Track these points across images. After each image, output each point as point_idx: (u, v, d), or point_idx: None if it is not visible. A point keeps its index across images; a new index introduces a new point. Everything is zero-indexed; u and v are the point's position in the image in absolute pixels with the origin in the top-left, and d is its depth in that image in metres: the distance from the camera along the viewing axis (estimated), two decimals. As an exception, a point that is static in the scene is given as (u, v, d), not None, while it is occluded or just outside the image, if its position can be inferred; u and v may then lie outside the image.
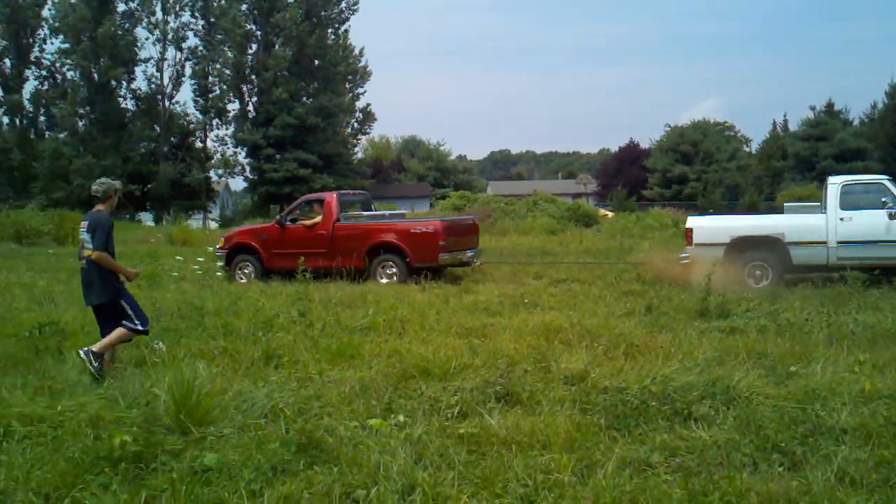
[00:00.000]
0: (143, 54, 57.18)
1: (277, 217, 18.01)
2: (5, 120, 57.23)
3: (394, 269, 15.80)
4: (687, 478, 4.71)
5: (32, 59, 57.63)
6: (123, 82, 56.53)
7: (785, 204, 18.61)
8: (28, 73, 57.87)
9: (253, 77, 57.69)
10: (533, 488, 4.60)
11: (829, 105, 68.49)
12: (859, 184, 14.68)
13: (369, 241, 16.15)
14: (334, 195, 17.25)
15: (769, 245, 14.53)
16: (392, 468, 4.76)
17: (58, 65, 57.32)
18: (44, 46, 58.55)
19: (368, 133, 69.86)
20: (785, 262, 14.34)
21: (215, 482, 4.77)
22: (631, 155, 79.65)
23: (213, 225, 55.27)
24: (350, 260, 15.78)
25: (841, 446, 5.21)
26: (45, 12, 57.01)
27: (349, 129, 64.36)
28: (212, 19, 57.11)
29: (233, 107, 59.00)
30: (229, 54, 56.54)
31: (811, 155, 64.14)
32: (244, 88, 58.58)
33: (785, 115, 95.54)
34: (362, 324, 9.87)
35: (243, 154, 58.64)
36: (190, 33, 58.39)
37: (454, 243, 16.10)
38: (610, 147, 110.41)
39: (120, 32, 54.57)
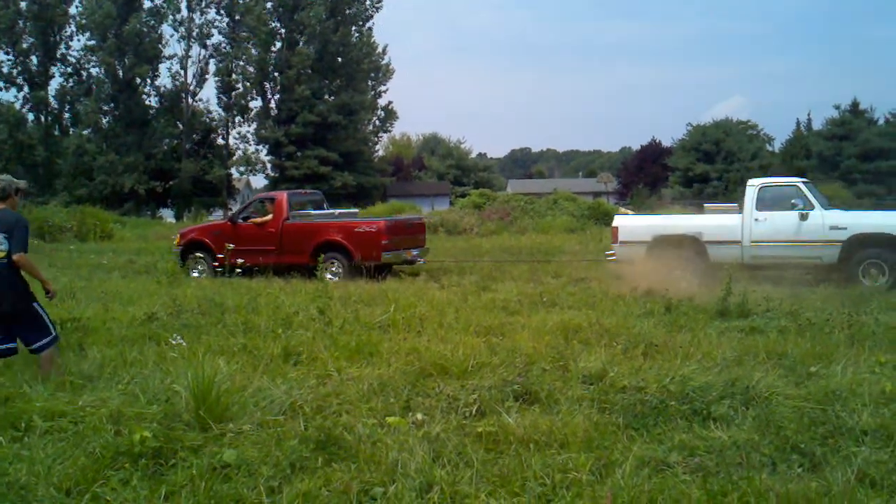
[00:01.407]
0: (167, 51, 57.92)
1: (230, 215, 18.73)
2: (30, 116, 57.80)
3: (338, 267, 16.40)
4: (705, 478, 4.69)
5: (58, 56, 58.14)
6: (147, 79, 56.93)
7: (705, 205, 19.12)
8: (54, 69, 58.45)
9: (276, 74, 57.93)
10: (550, 487, 4.59)
11: (854, 104, 67.75)
12: (775, 186, 15.18)
13: (316, 239, 16.75)
14: (285, 194, 17.93)
15: (688, 244, 15.04)
16: (410, 466, 4.77)
17: (83, 62, 57.85)
18: (70, 43, 59.28)
19: (390, 131, 70.11)
20: (703, 261, 14.86)
21: (234, 478, 4.79)
22: (653, 153, 79.26)
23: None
24: (298, 257, 16.56)
25: (861, 447, 5.17)
26: (73, 9, 57.63)
27: (370, 127, 64.52)
28: (236, 17, 57.45)
29: (255, 104, 59.44)
30: (253, 52, 56.80)
31: (835, 154, 63.52)
32: (267, 86, 58.91)
33: (809, 115, 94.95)
34: (381, 321, 9.88)
35: (265, 151, 59.02)
36: (214, 31, 58.87)
37: (398, 242, 16.73)
38: (631, 145, 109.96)
39: (145, 29, 55.01)
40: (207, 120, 60.00)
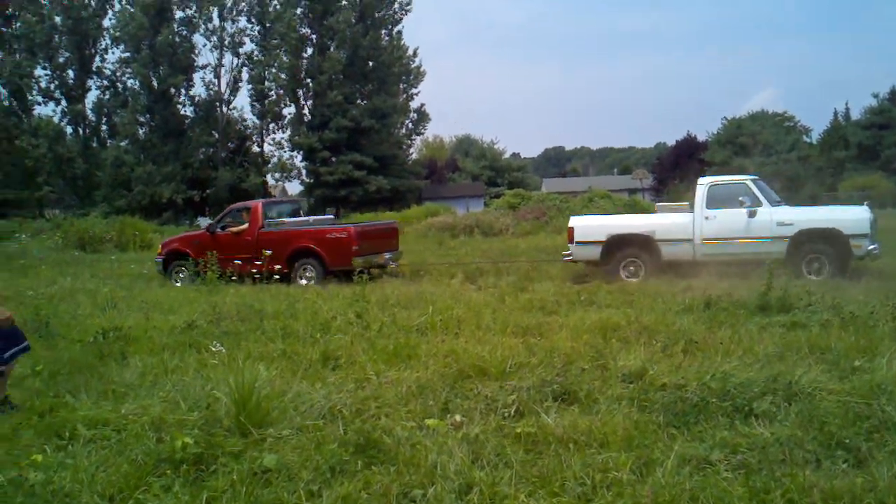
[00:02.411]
0: (200, 61, 58.30)
1: (208, 225, 19.12)
2: (69, 130, 58.71)
3: (312, 272, 16.99)
4: (748, 475, 4.63)
5: (94, 69, 59.04)
6: (182, 89, 57.56)
7: (657, 204, 19.91)
8: (90, 82, 59.41)
9: (308, 80, 58.28)
10: (591, 487, 4.56)
11: (893, 92, 66.72)
12: (724, 184, 15.58)
13: (290, 245, 17.30)
14: (260, 203, 18.50)
15: (641, 243, 15.52)
16: (449, 468, 4.77)
17: (119, 74, 58.69)
18: (105, 56, 60.15)
19: (423, 133, 70.22)
20: (656, 259, 15.35)
21: (275, 483, 4.82)
22: (688, 148, 78.57)
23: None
24: (274, 264, 16.73)
25: (907, 442, 5.08)
26: (106, 22, 58.45)
27: (403, 130, 64.67)
28: (267, 24, 57.84)
29: (288, 111, 59.85)
30: (284, 58, 57.18)
31: (875, 144, 62.56)
32: (300, 92, 59.27)
33: (846, 104, 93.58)
34: (418, 324, 9.89)
35: (299, 158, 59.39)
36: (246, 39, 59.33)
37: (369, 247, 17.19)
38: (666, 141, 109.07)
39: (178, 40, 55.61)
40: (242, 128, 60.61)
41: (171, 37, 54.59)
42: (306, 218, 19.49)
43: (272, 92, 58.77)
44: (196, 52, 57.90)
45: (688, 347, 8.10)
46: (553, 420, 5.70)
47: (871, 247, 14.24)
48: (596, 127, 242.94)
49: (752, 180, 15.50)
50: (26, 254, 25.49)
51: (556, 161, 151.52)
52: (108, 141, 59.36)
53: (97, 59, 59.26)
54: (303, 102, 59.75)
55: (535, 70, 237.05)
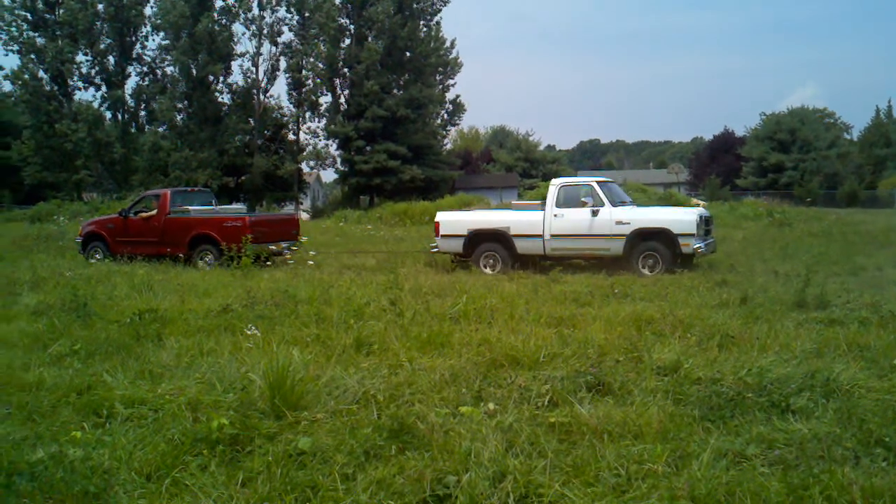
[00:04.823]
0: (239, 49, 58.39)
1: (121, 210, 20.82)
2: (108, 115, 59.26)
3: (209, 257, 18.26)
4: (786, 471, 4.59)
5: (134, 55, 59.50)
6: (220, 77, 57.88)
7: (512, 202, 21.66)
8: (130, 69, 59.78)
9: (345, 70, 58.35)
10: (625, 478, 4.54)
11: (937, 90, 65.52)
12: (573, 185, 16.96)
13: (191, 231, 18.73)
14: (168, 191, 19.97)
15: (498, 237, 16.95)
16: (483, 455, 4.76)
17: (158, 61, 59.12)
18: (145, 43, 60.54)
19: (458, 124, 69.99)
20: (511, 252, 16.83)
21: (309, 465, 4.86)
22: (725, 143, 77.86)
23: (305, 216, 56.23)
24: (177, 248, 18.61)
25: (949, 442, 4.99)
26: (148, 10, 58.82)
27: (439, 121, 64.56)
28: (306, 14, 57.90)
29: (325, 99, 59.82)
30: (322, 48, 57.26)
31: (917, 142, 61.51)
32: (336, 81, 59.31)
33: (889, 102, 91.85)
34: (452, 313, 9.89)
35: (334, 146, 59.42)
36: (285, 28, 59.34)
37: (263, 235, 18.37)
38: (703, 135, 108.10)
39: (217, 28, 55.84)
40: (278, 116, 60.69)
41: (210, 25, 54.79)
42: (217, 207, 20.54)
43: (309, 81, 58.81)
44: (235, 40, 58.06)
45: (723, 342, 8.05)
46: (587, 411, 5.68)
47: (697, 245, 15.49)
48: (633, 120, 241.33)
49: (599, 182, 16.84)
50: (65, 236, 25.86)
51: (592, 154, 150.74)
52: (146, 126, 59.66)
53: (137, 46, 59.62)
54: (339, 91, 59.78)
55: (575, 64, 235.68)
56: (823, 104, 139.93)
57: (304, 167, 61.83)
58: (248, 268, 14.68)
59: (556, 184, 17.07)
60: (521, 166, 76.85)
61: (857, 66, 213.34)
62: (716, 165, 73.91)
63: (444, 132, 67.10)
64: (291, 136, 61.68)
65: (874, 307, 10.06)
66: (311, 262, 18.31)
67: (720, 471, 4.56)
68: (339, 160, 59.40)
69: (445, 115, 65.20)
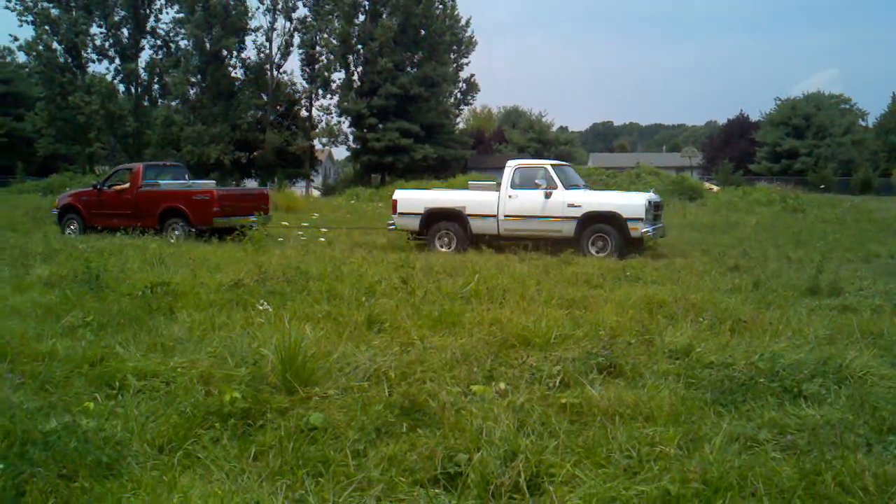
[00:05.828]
0: (253, 24, 58.23)
1: (95, 183, 21.33)
2: (121, 87, 59.23)
3: (178, 231, 18.77)
4: (798, 456, 4.58)
5: (148, 28, 59.34)
6: (234, 52, 57.76)
7: (469, 182, 21.96)
8: (144, 42, 59.64)
9: (359, 47, 58.14)
10: (637, 460, 4.54)
11: (955, 77, 64.96)
12: (528, 168, 17.23)
13: (161, 205, 19.24)
14: (141, 166, 20.53)
15: (454, 216, 17.25)
16: (495, 434, 4.76)
17: (172, 34, 58.98)
18: (160, 17, 60.48)
19: (471, 103, 69.85)
20: (466, 232, 17.13)
21: (321, 441, 4.87)
22: (740, 128, 77.48)
23: (316, 193, 56.24)
24: (148, 220, 19.11)
25: (962, 430, 4.97)
26: (162, -17, 58.65)
27: (452, 100, 64.37)
28: (321, -11, 57.69)
29: (338, 76, 59.69)
30: (336, 24, 57.06)
31: (934, 129, 61.05)
32: (350, 58, 59.13)
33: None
34: (463, 292, 9.89)
35: (347, 123, 59.35)
36: (300, 3, 59.17)
37: (231, 209, 18.86)
38: (717, 119, 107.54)
39: (232, 2, 55.68)
40: (291, 92, 60.63)
41: (225, -1, 54.73)
42: (189, 182, 20.95)
43: (323, 57, 58.67)
44: (249, 14, 57.93)
45: (735, 327, 8.05)
46: (598, 392, 5.68)
47: (646, 229, 15.78)
48: (646, 103, 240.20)
49: (554, 165, 17.14)
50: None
51: (604, 136, 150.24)
52: (159, 100, 59.65)
53: (151, 18, 59.49)
54: (353, 68, 59.61)
55: (590, 46, 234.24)
56: (840, 90, 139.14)
57: (317, 144, 61.83)
58: (260, 243, 14.68)
59: (511, 165, 17.35)
60: (533, 147, 76.52)
61: (875, 53, 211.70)
62: (729, 150, 73.60)
63: (457, 111, 66.97)
64: (304, 113, 61.67)
65: (888, 294, 10.03)
66: (322, 240, 18.33)
67: (732, 455, 4.55)
68: (351, 137, 59.40)
69: (459, 95, 65.08)
